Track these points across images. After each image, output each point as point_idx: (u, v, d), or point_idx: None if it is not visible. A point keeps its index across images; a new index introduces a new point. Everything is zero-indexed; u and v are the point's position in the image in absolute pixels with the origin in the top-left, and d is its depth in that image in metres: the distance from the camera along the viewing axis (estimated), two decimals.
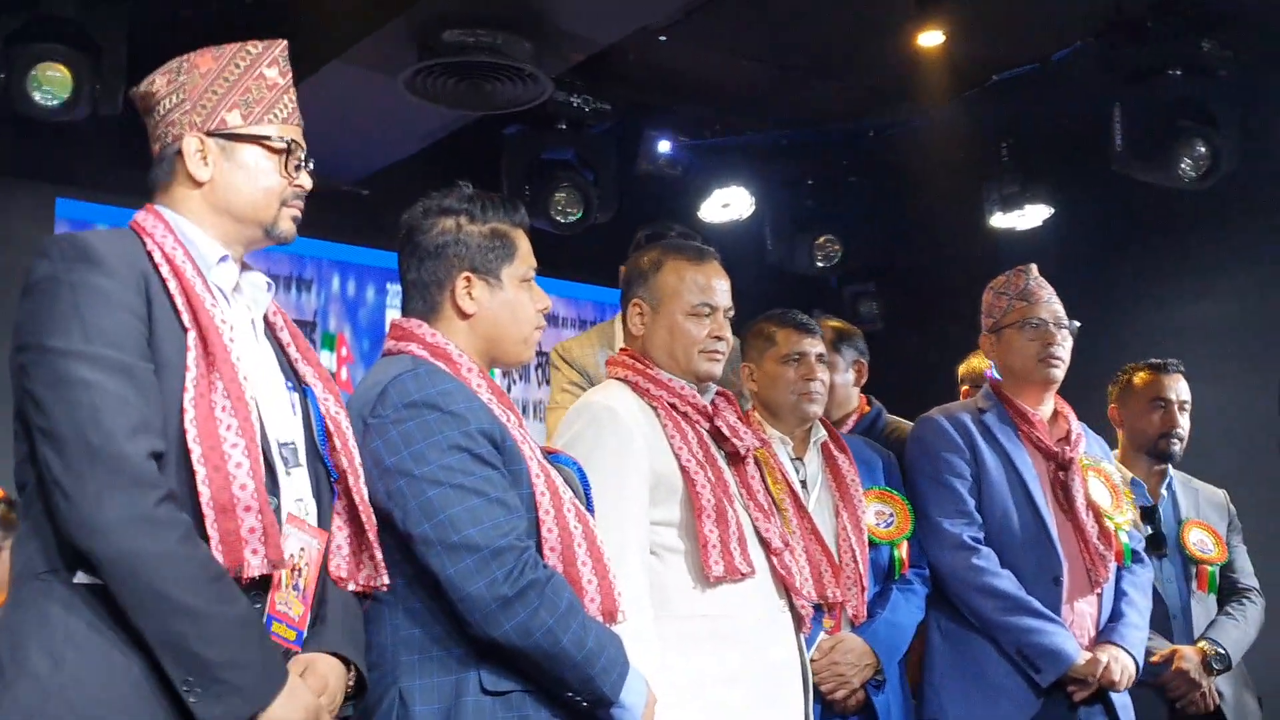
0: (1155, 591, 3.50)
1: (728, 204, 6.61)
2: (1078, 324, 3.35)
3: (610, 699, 2.15)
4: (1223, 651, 3.56)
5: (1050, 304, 3.35)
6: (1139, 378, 3.90)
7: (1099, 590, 3.26)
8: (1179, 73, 5.26)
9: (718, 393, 2.86)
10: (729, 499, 2.67)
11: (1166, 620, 3.61)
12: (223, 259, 2.00)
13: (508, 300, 2.32)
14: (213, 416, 1.81)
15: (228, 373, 1.85)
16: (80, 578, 1.76)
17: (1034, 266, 3.43)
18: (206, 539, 1.79)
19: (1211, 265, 5.83)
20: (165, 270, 1.90)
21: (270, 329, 2.09)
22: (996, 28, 5.52)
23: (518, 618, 2.07)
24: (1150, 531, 3.66)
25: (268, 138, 2.02)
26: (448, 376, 2.21)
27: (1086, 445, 3.39)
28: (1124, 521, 3.33)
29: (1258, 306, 5.40)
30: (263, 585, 1.86)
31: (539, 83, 4.92)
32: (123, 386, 1.78)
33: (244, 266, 2.07)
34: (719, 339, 2.79)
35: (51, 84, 4.72)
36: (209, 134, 2.00)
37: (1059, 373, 3.32)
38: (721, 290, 2.82)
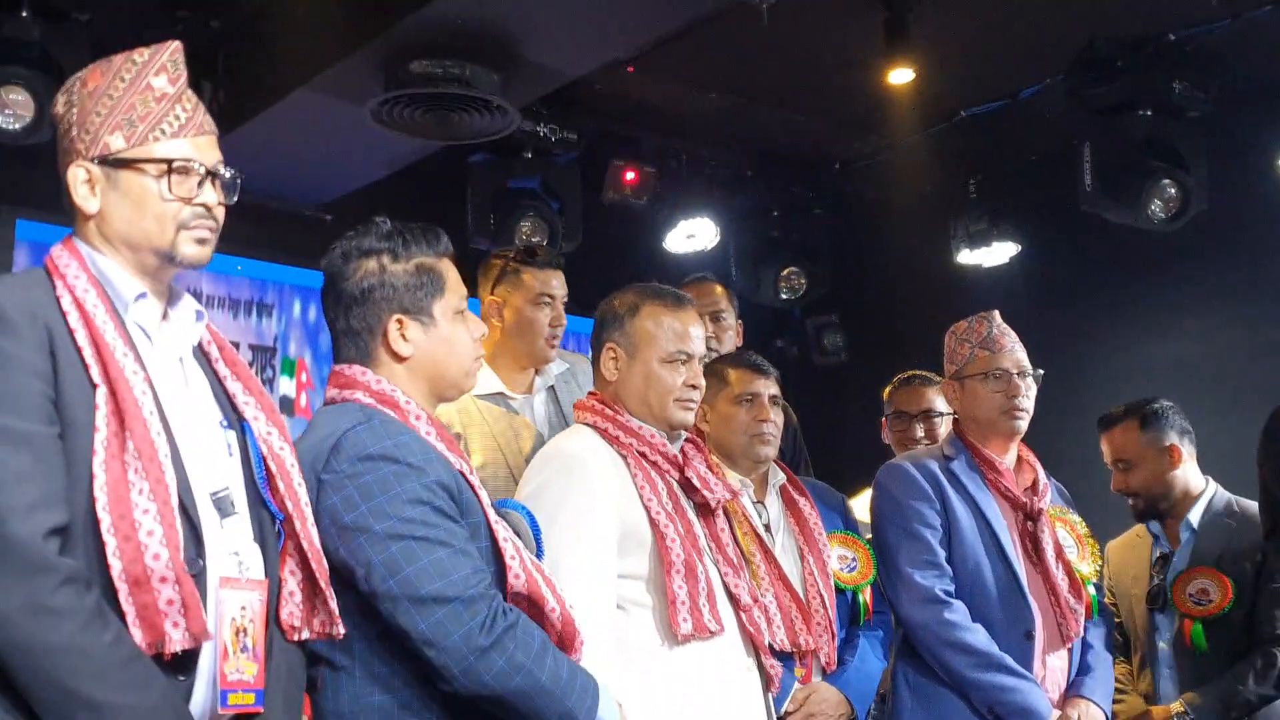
0: (1159, 646, 3.48)
1: (693, 234, 6.57)
2: (1041, 372, 3.31)
3: None
4: (1191, 714, 3.35)
5: (1014, 352, 3.29)
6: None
7: (1069, 645, 3.22)
8: (1149, 112, 5.27)
9: (687, 440, 2.80)
10: (699, 553, 2.61)
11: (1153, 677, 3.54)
12: (140, 296, 1.87)
13: (444, 336, 2.25)
14: (124, 480, 1.70)
15: (139, 430, 1.73)
16: None
17: (996, 313, 3.38)
18: (122, 614, 1.68)
19: (1180, 305, 5.83)
20: (74, 318, 1.77)
21: (206, 359, 1.97)
22: (966, 64, 5.51)
23: (497, 665, 2.01)
24: (1156, 582, 3.56)
25: (148, 159, 1.86)
26: (402, 427, 2.14)
27: (1052, 494, 3.35)
28: (1090, 573, 3.29)
29: (1226, 346, 5.41)
30: (191, 656, 1.75)
31: (506, 114, 4.87)
32: (19, 458, 1.66)
33: (173, 296, 1.95)
34: (694, 387, 2.75)
35: (13, 106, 4.63)
36: (94, 160, 1.86)
37: (1023, 424, 3.28)
38: (698, 338, 2.77)
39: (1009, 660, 3.10)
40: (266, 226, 5.77)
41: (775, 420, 3.18)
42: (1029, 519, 3.25)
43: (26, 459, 1.66)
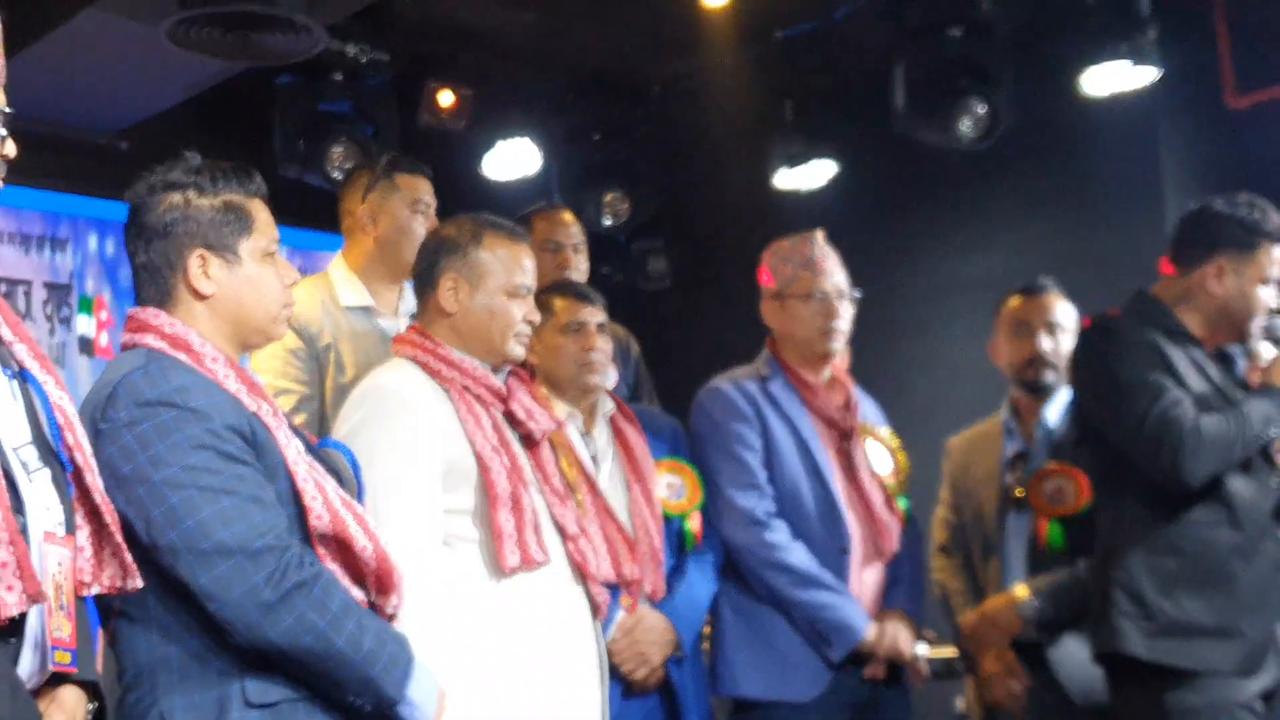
0: (1010, 544, 3.46)
1: (513, 158, 6.45)
2: (859, 294, 3.36)
3: (395, 698, 2.05)
4: (1038, 603, 3.31)
5: (834, 275, 3.35)
6: (1008, 305, 3.65)
7: (886, 559, 3.30)
8: (958, 32, 5.34)
9: (511, 373, 2.76)
10: (524, 484, 2.59)
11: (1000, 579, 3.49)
12: None
13: (249, 276, 2.15)
14: None
15: None
16: None
17: (819, 234, 3.41)
18: None
19: (994, 220, 5.99)
20: None
21: None
22: None
23: (284, 623, 1.94)
24: (1009, 481, 3.54)
25: None
26: (186, 370, 2.04)
27: (864, 411, 3.42)
28: (897, 486, 3.38)
29: (1039, 258, 5.57)
30: (19, 618, 1.64)
31: (312, 34, 4.64)
32: None
33: None
34: (531, 322, 2.72)
35: None
36: None
37: (839, 345, 3.36)
38: (533, 272, 2.75)
39: (828, 577, 3.19)
40: (58, 155, 5.42)
41: (603, 348, 3.15)
42: (844, 436, 3.32)
43: None
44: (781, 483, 3.28)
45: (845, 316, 3.34)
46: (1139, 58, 5.14)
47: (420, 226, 3.26)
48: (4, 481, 1.64)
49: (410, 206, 3.29)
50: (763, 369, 3.40)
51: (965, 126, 5.36)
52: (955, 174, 5.92)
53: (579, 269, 3.72)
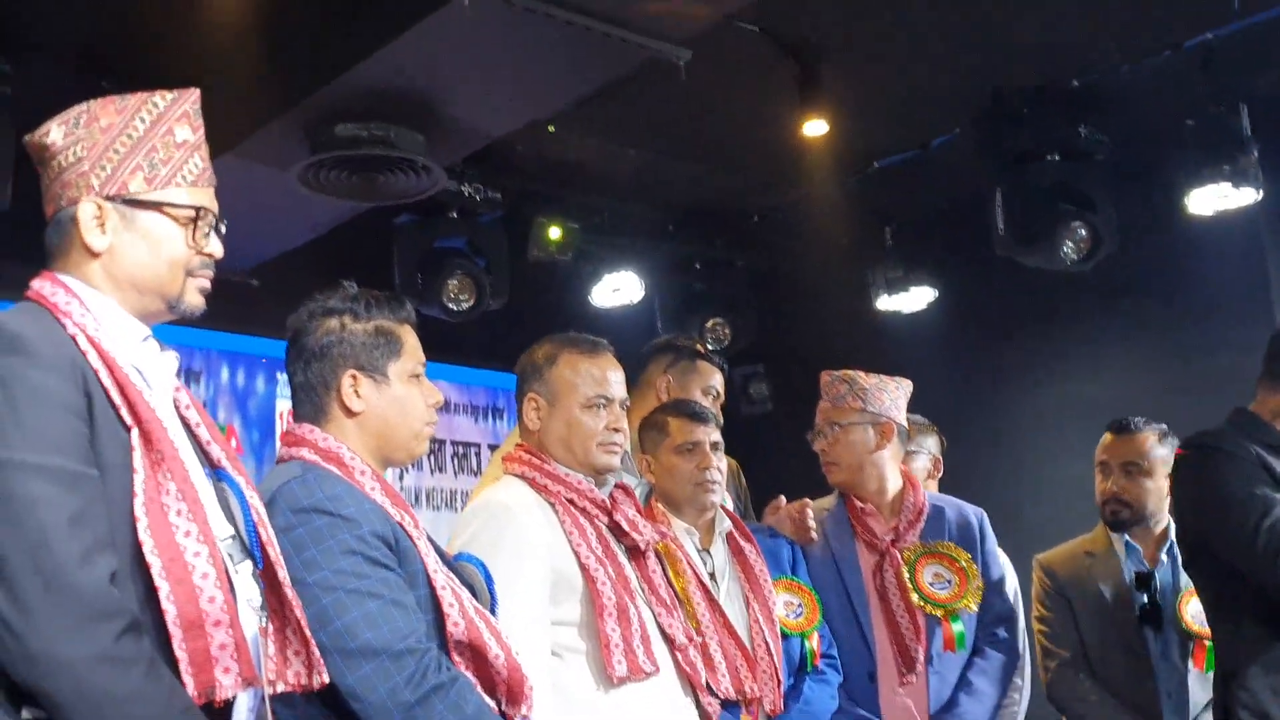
0: (1149, 667, 3.45)
1: (618, 289, 6.64)
2: None
3: None
4: None
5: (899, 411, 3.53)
6: (1100, 440, 3.72)
7: (909, 681, 3.28)
8: (1056, 157, 5.44)
9: (616, 485, 2.84)
10: (630, 595, 2.64)
11: (1155, 700, 3.46)
12: (145, 339, 1.86)
13: (396, 396, 2.28)
14: (167, 522, 1.67)
15: (179, 471, 1.71)
16: (26, 714, 1.61)
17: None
18: (172, 660, 1.65)
19: (1097, 344, 5.97)
20: (94, 358, 1.74)
21: (177, 409, 1.94)
22: (877, 115, 5.65)
23: None
24: (1145, 601, 3.53)
25: (173, 204, 1.87)
26: (337, 480, 2.16)
27: (938, 525, 3.43)
28: (957, 606, 3.32)
29: (1144, 383, 5.56)
30: (229, 704, 1.72)
31: (431, 174, 4.91)
32: (72, 500, 1.61)
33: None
34: (616, 430, 2.79)
35: None
36: (108, 198, 1.84)
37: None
38: (616, 382, 2.82)
39: (859, 711, 3.23)
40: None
41: (718, 466, 3.22)
42: (883, 557, 3.38)
43: (79, 501, 1.62)
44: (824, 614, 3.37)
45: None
46: (1241, 179, 5.17)
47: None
48: (224, 568, 1.73)
49: (704, 392, 3.61)
50: (832, 498, 3.55)
51: (1067, 249, 5.41)
52: (1058, 298, 5.94)
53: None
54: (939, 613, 3.30)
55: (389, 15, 4.25)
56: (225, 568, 1.75)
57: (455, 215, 5.98)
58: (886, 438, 3.47)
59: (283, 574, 1.89)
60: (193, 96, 1.96)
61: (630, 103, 5.43)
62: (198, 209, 1.91)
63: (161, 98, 1.92)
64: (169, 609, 1.65)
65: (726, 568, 3.23)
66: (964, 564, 3.38)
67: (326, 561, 2.06)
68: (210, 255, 1.94)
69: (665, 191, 6.57)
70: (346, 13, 4.41)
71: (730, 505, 3.35)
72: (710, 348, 6.89)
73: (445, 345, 6.38)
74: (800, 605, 3.34)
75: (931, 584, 3.34)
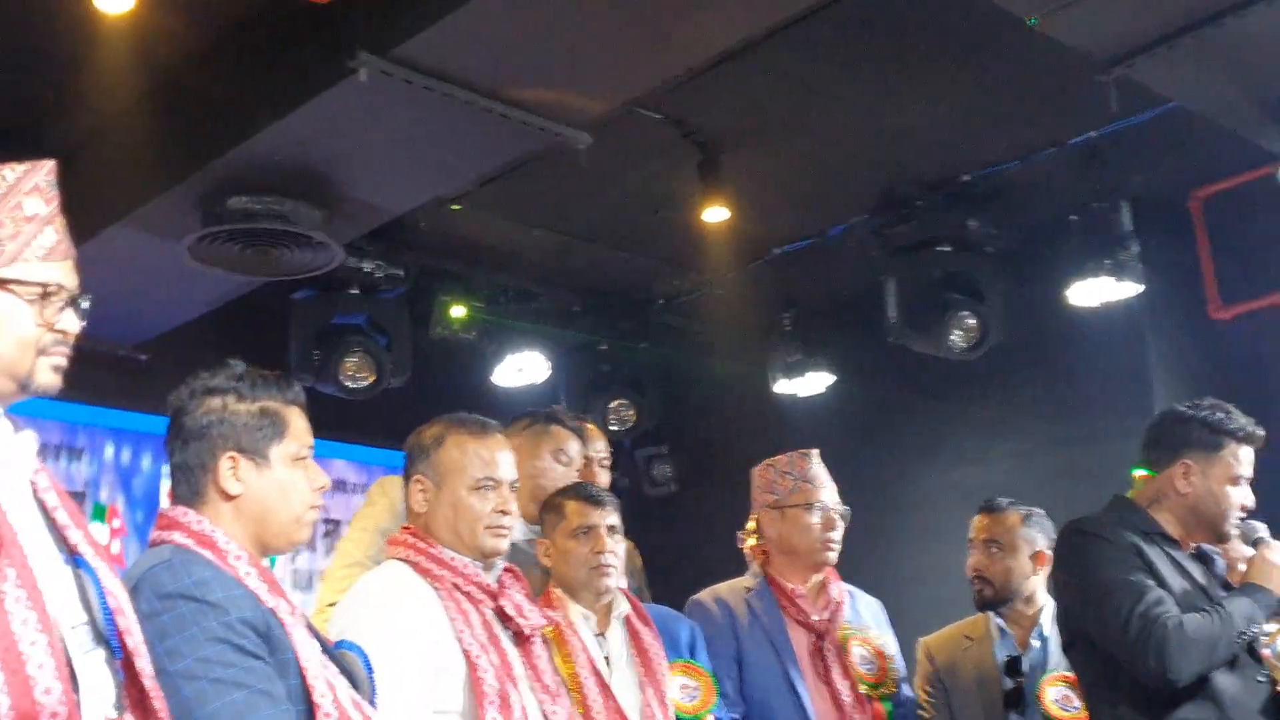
0: None
1: (522, 369, 6.64)
2: (849, 509, 3.51)
3: None
4: None
5: (831, 490, 3.51)
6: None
7: None
8: (947, 248, 5.58)
9: (505, 569, 2.81)
10: (513, 682, 2.60)
11: None
12: None
13: (277, 480, 2.21)
14: (3, 610, 1.60)
15: (17, 557, 1.64)
16: None
17: (816, 452, 3.57)
18: None
19: (988, 430, 6.10)
20: None
21: (34, 491, 1.86)
22: (777, 203, 5.77)
23: None
24: (1011, 685, 3.58)
25: (19, 280, 1.80)
26: (206, 565, 2.10)
27: (853, 612, 3.51)
28: (882, 690, 3.41)
29: (1033, 469, 5.67)
30: None
31: (329, 250, 4.88)
32: None
33: (14, 422, 1.85)
34: (504, 513, 2.75)
35: None
36: None
37: (834, 556, 3.49)
38: (505, 464, 2.79)
39: None
40: (78, 366, 5.57)
41: (615, 550, 3.20)
42: (820, 638, 3.42)
43: None
44: (752, 693, 3.37)
45: (839, 530, 3.49)
46: (1122, 273, 5.35)
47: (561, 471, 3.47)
48: (65, 659, 1.66)
49: (554, 455, 3.49)
50: (749, 580, 3.54)
51: (956, 338, 5.54)
52: (949, 384, 6.07)
53: (602, 483, 3.83)
54: (874, 694, 3.36)
55: (286, 87, 4.23)
56: (67, 658, 1.69)
57: (356, 291, 5.96)
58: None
59: (142, 663, 1.83)
60: (46, 168, 1.89)
61: (535, 184, 5.48)
62: (46, 285, 1.84)
63: (11, 170, 1.86)
64: (2, 700, 1.58)
65: (623, 651, 3.20)
66: (880, 646, 3.46)
67: (190, 649, 1.99)
68: (64, 333, 1.87)
69: (571, 273, 6.62)
70: (244, 83, 4.39)
71: (626, 586, 3.33)
72: (614, 429, 6.95)
73: (344, 423, 6.32)
74: (696, 688, 3.32)
75: (860, 665, 3.40)
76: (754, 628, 3.41)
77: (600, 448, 3.87)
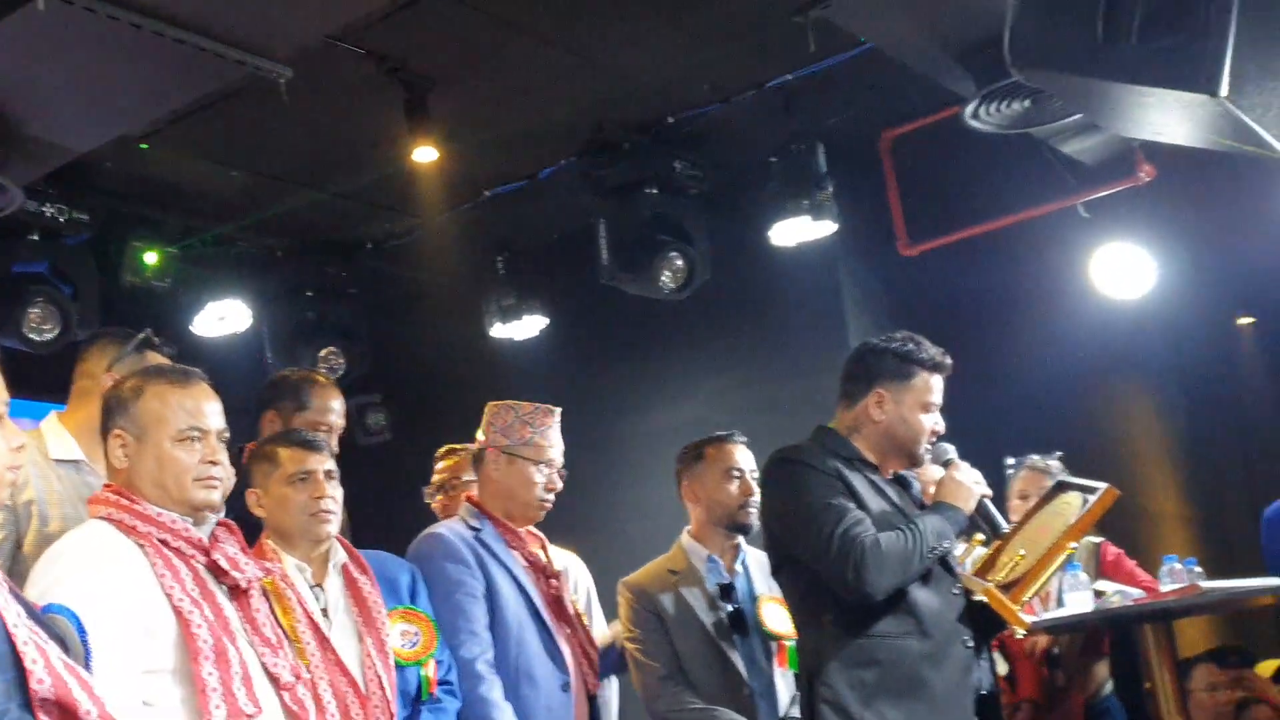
0: (738, 672, 3.61)
1: (223, 317, 6.37)
2: (566, 472, 3.60)
3: None
4: None
5: (560, 453, 3.59)
6: (709, 451, 3.87)
7: (594, 694, 3.48)
8: (655, 190, 5.69)
9: (219, 523, 2.70)
10: (231, 636, 2.52)
11: (751, 700, 3.62)
12: None
13: None
14: None
15: None
16: None
17: (559, 411, 3.62)
18: None
19: (696, 369, 6.30)
20: None
21: None
22: (487, 145, 5.72)
23: None
24: (730, 609, 3.71)
25: None
26: None
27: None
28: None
29: (738, 405, 5.88)
30: None
31: (6, 193, 4.53)
32: None
33: None
34: (214, 464, 2.64)
35: None
36: None
37: (544, 515, 3.59)
38: (212, 413, 2.67)
39: None
40: None
41: (333, 495, 3.14)
42: (548, 579, 3.51)
43: None
44: (505, 625, 3.37)
45: (556, 489, 3.58)
46: (818, 213, 5.59)
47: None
48: None
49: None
50: (471, 520, 3.51)
51: (665, 278, 5.68)
52: (660, 325, 6.21)
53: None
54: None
55: None
56: None
57: (36, 238, 5.56)
58: None
59: None
60: None
61: (232, 121, 5.24)
62: None
63: None
64: None
65: (340, 601, 3.14)
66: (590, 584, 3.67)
67: None
68: None
69: (273, 216, 6.37)
70: None
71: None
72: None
73: (30, 380, 5.88)
74: (417, 634, 3.29)
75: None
76: (493, 563, 3.44)
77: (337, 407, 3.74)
